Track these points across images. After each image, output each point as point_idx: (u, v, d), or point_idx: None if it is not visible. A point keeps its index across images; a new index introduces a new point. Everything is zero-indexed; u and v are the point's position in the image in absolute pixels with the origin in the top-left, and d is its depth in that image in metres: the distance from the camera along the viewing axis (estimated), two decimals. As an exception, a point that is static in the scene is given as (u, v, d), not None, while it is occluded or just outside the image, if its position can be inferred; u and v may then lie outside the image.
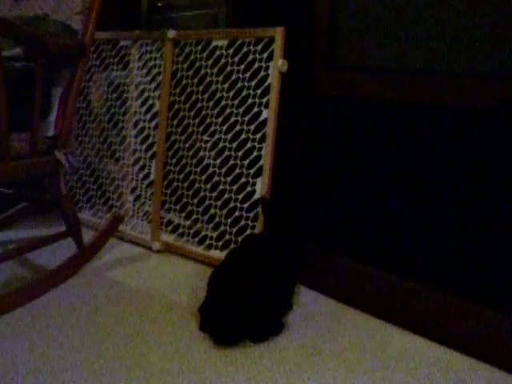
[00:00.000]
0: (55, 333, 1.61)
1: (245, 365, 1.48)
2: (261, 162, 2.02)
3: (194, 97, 2.28)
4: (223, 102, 2.16)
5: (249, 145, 2.07)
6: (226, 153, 2.15)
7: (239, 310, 1.57)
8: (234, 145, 2.12)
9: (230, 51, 2.14)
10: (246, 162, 2.08)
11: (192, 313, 1.77)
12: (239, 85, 2.11)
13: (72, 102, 1.93)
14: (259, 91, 2.04)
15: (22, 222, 2.70)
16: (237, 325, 1.58)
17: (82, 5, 2.02)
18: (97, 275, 2.08)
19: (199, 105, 2.26)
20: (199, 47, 2.25)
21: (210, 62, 2.21)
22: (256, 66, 2.05)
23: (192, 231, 2.30)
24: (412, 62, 1.67)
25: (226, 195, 2.15)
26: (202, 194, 2.25)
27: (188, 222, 2.31)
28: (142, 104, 2.49)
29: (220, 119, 2.18)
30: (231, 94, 2.13)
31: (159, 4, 2.65)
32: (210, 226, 2.23)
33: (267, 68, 2.02)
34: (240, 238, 2.09)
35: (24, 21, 1.91)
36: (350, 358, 1.55)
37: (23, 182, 2.75)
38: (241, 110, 2.10)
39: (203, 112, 2.24)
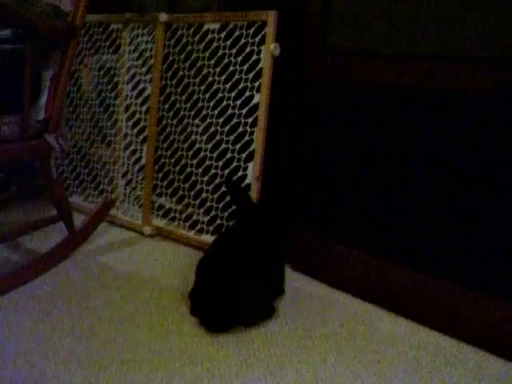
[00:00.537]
0: (47, 317, 1.61)
1: (236, 349, 1.48)
2: (252, 147, 2.01)
3: (185, 81, 2.26)
4: (215, 86, 2.15)
5: (240, 129, 2.06)
6: (218, 137, 2.14)
7: (228, 296, 1.56)
8: (226, 129, 2.11)
9: (222, 35, 2.12)
10: (237, 146, 2.07)
11: (183, 296, 1.77)
12: (231, 69, 2.09)
13: (63, 86, 1.91)
14: (251, 75, 2.03)
15: (12, 207, 2.68)
16: (227, 311, 1.58)
17: (72, -14, 2.00)
18: (88, 259, 2.07)
19: (191, 89, 2.24)
20: (191, 31, 2.24)
21: (201, 46, 2.20)
22: (248, 49, 2.04)
23: (183, 215, 2.29)
24: (406, 46, 1.66)
25: (218, 179, 2.15)
26: (193, 178, 2.25)
27: (179, 207, 2.31)
28: (133, 88, 2.47)
29: (212, 103, 2.17)
30: (223, 78, 2.12)
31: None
32: (202, 210, 2.22)
33: (259, 52, 2.01)
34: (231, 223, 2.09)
35: (13, 2, 1.89)
36: (341, 341, 1.56)
37: (13, 166, 2.73)
38: (233, 94, 2.09)
39: (195, 96, 2.23)
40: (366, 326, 1.66)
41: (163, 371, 1.36)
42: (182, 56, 2.27)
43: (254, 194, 2.00)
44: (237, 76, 2.08)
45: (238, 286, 1.57)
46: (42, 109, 1.88)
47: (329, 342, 1.55)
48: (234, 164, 2.08)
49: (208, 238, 2.15)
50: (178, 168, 2.31)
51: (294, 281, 1.97)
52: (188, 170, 2.26)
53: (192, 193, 2.26)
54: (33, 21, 1.70)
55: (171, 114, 2.33)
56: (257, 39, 2.01)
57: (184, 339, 1.52)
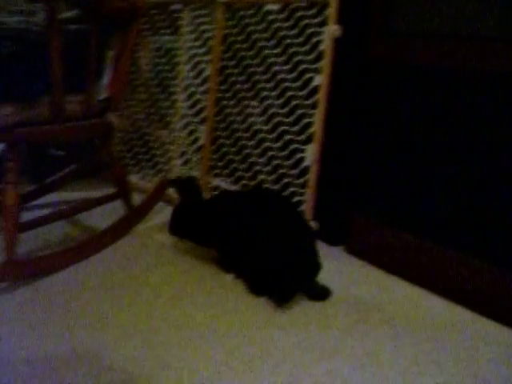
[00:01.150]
0: (107, 291, 1.65)
1: (291, 330, 1.49)
2: (312, 129, 2.00)
3: (244, 62, 2.26)
4: (275, 68, 2.15)
5: (300, 111, 2.05)
6: (277, 119, 2.14)
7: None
8: (285, 110, 2.11)
9: (283, 16, 2.11)
10: (296, 129, 2.07)
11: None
12: (291, 50, 2.08)
13: (125, 65, 1.94)
14: (311, 57, 2.01)
15: (72, 184, 2.74)
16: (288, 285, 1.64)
17: (135, -32, 2.02)
18: (146, 237, 2.11)
19: (250, 70, 2.24)
20: (251, 11, 2.23)
21: (261, 27, 2.19)
22: (309, 31, 2.02)
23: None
24: (470, 28, 1.62)
25: (276, 161, 2.15)
26: (250, 159, 2.25)
27: (236, 188, 2.32)
28: (192, 69, 2.49)
29: (271, 84, 2.16)
30: (283, 59, 2.11)
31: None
32: (259, 191, 2.23)
33: (320, 33, 1.99)
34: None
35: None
36: (397, 327, 1.54)
37: (73, 144, 2.79)
38: (293, 75, 2.08)
39: (254, 77, 2.23)
40: (422, 313, 1.64)
41: (219, 350, 1.37)
42: (242, 37, 2.27)
43: (311, 176, 1.99)
44: (297, 58, 2.06)
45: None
46: (105, 88, 1.92)
47: (385, 327, 1.54)
48: (293, 146, 2.08)
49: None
50: (235, 149, 2.31)
51: (349, 264, 1.97)
52: (245, 151, 2.27)
53: (249, 174, 2.27)
54: (98, 2, 1.72)
55: (230, 94, 2.33)
56: (318, 21, 1.99)
57: (240, 318, 1.53)
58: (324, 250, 2.09)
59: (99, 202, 2.11)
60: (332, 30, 1.93)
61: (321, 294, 1.71)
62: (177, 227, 1.95)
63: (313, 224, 2.01)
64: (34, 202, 2.40)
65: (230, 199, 1.87)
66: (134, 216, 2.22)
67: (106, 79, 1.92)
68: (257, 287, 1.70)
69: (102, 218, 2.27)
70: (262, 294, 1.68)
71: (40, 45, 1.65)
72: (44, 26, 1.71)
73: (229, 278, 1.80)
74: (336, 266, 1.94)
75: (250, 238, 1.72)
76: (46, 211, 2.29)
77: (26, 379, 1.20)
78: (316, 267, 1.71)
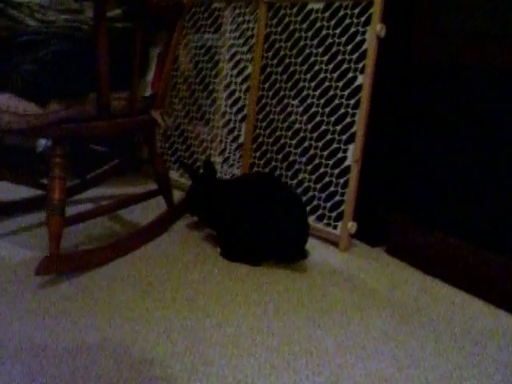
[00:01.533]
0: (148, 287, 1.67)
1: (333, 330, 1.49)
2: (354, 128, 1.99)
3: (286, 60, 2.26)
4: (317, 67, 2.14)
5: (342, 110, 2.04)
6: (318, 118, 2.13)
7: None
8: (327, 110, 2.10)
9: (326, 15, 2.10)
10: (338, 128, 2.06)
11: (278, 274, 1.80)
12: (334, 49, 2.08)
13: (169, 63, 1.96)
14: (355, 56, 2.00)
15: (113, 179, 2.79)
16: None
17: (181, -34, 2.03)
18: (185, 234, 2.13)
19: (292, 68, 2.24)
20: (294, 10, 2.23)
21: (304, 26, 2.19)
22: (352, 30, 2.01)
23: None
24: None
25: (317, 160, 2.14)
26: (291, 158, 2.25)
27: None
28: (234, 67, 2.50)
29: (313, 84, 2.16)
30: (325, 58, 2.11)
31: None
32: (299, 190, 2.23)
33: (364, 32, 1.97)
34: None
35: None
36: (439, 330, 1.53)
37: (115, 140, 2.83)
38: (335, 74, 2.07)
39: (296, 76, 2.23)
40: (463, 317, 1.62)
41: (261, 348, 1.38)
42: (284, 35, 2.27)
43: (352, 176, 1.99)
44: (340, 57, 2.05)
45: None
46: (149, 85, 1.94)
47: (426, 330, 1.52)
48: (334, 146, 2.07)
49: (304, 219, 2.16)
50: (276, 147, 2.32)
51: (389, 265, 1.96)
52: (286, 149, 2.27)
53: (289, 173, 2.27)
54: (146, 0, 1.74)
55: (271, 93, 2.34)
56: (362, 19, 1.98)
57: (282, 318, 1.53)
58: (364, 251, 2.09)
59: (141, 198, 2.14)
60: (376, 29, 1.91)
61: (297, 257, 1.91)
62: (188, 204, 2.13)
63: (351, 224, 2.01)
64: (76, 197, 2.45)
65: (231, 183, 2.05)
66: (174, 213, 2.24)
67: (150, 77, 1.94)
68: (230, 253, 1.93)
69: (142, 213, 2.30)
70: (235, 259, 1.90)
71: (87, 43, 1.67)
72: (91, 25, 1.73)
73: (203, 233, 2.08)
74: (376, 267, 1.93)
75: (241, 213, 1.90)
76: (87, 206, 2.34)
77: (71, 370, 1.22)
78: (302, 237, 1.88)
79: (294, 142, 2.24)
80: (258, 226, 1.85)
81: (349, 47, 2.03)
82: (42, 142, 2.82)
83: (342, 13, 2.05)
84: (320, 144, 2.13)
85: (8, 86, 1.54)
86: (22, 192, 2.37)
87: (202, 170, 2.12)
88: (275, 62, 2.31)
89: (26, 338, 1.34)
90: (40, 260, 1.61)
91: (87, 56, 1.64)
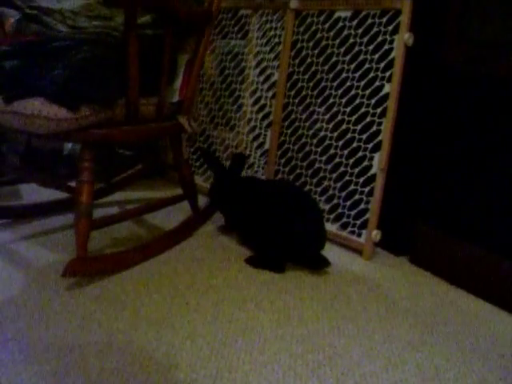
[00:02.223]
0: (173, 292, 1.68)
1: (357, 339, 1.49)
2: (380, 137, 1.99)
3: (313, 68, 2.27)
4: (343, 75, 2.14)
5: (368, 119, 2.04)
6: (344, 126, 2.13)
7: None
8: (353, 118, 2.10)
9: (354, 23, 2.10)
10: (364, 136, 2.06)
11: (302, 281, 1.80)
12: (361, 57, 2.08)
13: (196, 70, 1.97)
14: (382, 65, 2.00)
15: (137, 183, 2.81)
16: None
17: (209, -27, 2.05)
18: (209, 239, 2.14)
19: (318, 76, 2.25)
20: (321, 18, 2.23)
21: (331, 34, 2.19)
22: (380, 38, 2.01)
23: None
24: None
25: (342, 168, 2.14)
26: (316, 165, 2.25)
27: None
28: (260, 73, 2.51)
29: (339, 91, 2.16)
30: (352, 66, 2.11)
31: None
32: (323, 198, 2.23)
33: (392, 41, 1.97)
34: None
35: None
36: (463, 341, 1.52)
37: (140, 145, 2.86)
38: (362, 83, 2.07)
39: (322, 83, 2.23)
40: (489, 329, 1.61)
41: (285, 355, 1.38)
42: (311, 43, 2.28)
43: (378, 185, 1.99)
44: (367, 65, 2.05)
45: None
46: (177, 91, 1.95)
47: (451, 341, 1.52)
48: (360, 154, 2.07)
49: (328, 227, 2.16)
50: (301, 155, 2.32)
51: (414, 275, 1.95)
52: (311, 157, 2.27)
53: (314, 180, 2.27)
54: (175, 7, 1.76)
55: (297, 100, 2.34)
56: (390, 28, 1.98)
57: (306, 325, 1.54)
58: (388, 259, 2.08)
59: (167, 203, 2.15)
60: (404, 37, 1.91)
61: (321, 264, 1.92)
62: (212, 197, 2.20)
63: (376, 233, 2.01)
64: (102, 200, 2.47)
65: (253, 184, 2.10)
66: (199, 218, 2.26)
67: (178, 83, 1.96)
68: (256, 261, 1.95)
69: (167, 217, 2.32)
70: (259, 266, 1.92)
71: (117, 49, 1.69)
72: (122, 31, 1.75)
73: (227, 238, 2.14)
74: (400, 276, 1.93)
75: (260, 216, 1.95)
76: (113, 209, 2.36)
77: (97, 372, 1.24)
78: (320, 242, 1.91)
79: (319, 149, 2.24)
80: (281, 234, 1.87)
81: (376, 55, 2.03)
82: (69, 145, 2.85)
83: (369, 21, 2.05)
84: (345, 152, 2.13)
85: (40, 90, 1.57)
86: (49, 194, 2.40)
87: (230, 162, 2.18)
88: (302, 69, 2.32)
89: (53, 339, 1.36)
90: (67, 262, 1.63)
91: (117, 62, 1.66)
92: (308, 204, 1.92)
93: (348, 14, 2.13)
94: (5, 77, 1.68)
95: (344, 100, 2.14)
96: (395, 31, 1.96)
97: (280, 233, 1.87)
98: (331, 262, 1.93)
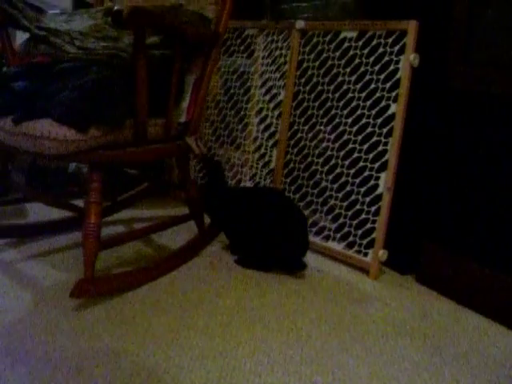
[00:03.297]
0: (180, 311, 1.68)
1: (366, 360, 1.48)
2: (386, 157, 2.00)
3: (319, 87, 2.28)
4: (349, 95, 2.15)
5: (374, 138, 2.05)
6: (350, 145, 2.14)
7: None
8: (359, 138, 2.11)
9: (360, 43, 2.12)
10: (370, 156, 2.06)
11: (309, 301, 1.80)
12: (367, 78, 2.09)
13: (204, 90, 1.98)
14: (388, 85, 2.01)
15: (143, 201, 2.82)
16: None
17: (216, -6, 2.07)
18: (217, 258, 2.14)
19: (324, 96, 2.26)
20: (327, 38, 2.25)
21: (337, 54, 2.20)
22: (386, 59, 2.02)
23: (310, 221, 2.31)
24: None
25: (348, 187, 2.15)
26: (322, 184, 2.26)
27: (306, 212, 2.33)
28: (266, 93, 2.52)
29: (345, 111, 2.17)
30: (358, 86, 2.12)
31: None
32: (329, 217, 2.23)
33: (398, 62, 1.99)
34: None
35: (162, 10, 1.97)
36: (472, 362, 1.52)
37: (147, 164, 2.87)
38: (368, 103, 2.08)
39: (328, 103, 2.24)
40: (497, 349, 1.60)
41: (295, 377, 1.38)
42: (317, 63, 2.29)
43: (384, 204, 1.99)
44: (373, 85, 2.07)
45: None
46: (184, 112, 1.96)
47: (459, 362, 1.51)
48: (366, 173, 2.08)
49: (335, 246, 2.16)
50: (307, 174, 2.33)
51: (420, 294, 1.95)
52: (317, 176, 2.28)
53: (320, 199, 2.27)
54: (183, 29, 1.77)
55: (303, 119, 2.35)
56: (396, 49, 1.99)
57: (314, 346, 1.53)
58: (394, 279, 2.08)
59: (173, 223, 2.16)
60: (410, 58, 1.92)
61: (301, 267, 2.06)
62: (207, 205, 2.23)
63: (382, 252, 2.01)
64: (108, 218, 2.47)
65: (236, 194, 2.17)
66: (205, 237, 2.26)
67: (185, 103, 1.97)
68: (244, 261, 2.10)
69: (173, 236, 2.32)
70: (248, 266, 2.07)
71: (125, 70, 1.70)
72: (130, 52, 1.76)
73: (234, 258, 2.15)
74: (407, 296, 1.92)
75: (249, 224, 2.05)
76: (118, 227, 2.36)
77: (107, 396, 1.24)
78: (303, 247, 2.02)
79: (325, 168, 2.25)
80: (266, 237, 2.01)
81: (382, 76, 2.04)
82: (73, 164, 2.86)
83: (375, 42, 2.06)
84: (352, 171, 2.13)
85: (49, 112, 1.58)
86: (54, 213, 2.41)
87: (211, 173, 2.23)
88: (307, 88, 2.33)
89: (61, 360, 1.36)
90: (75, 283, 1.63)
91: (126, 83, 1.67)
92: (294, 211, 2.02)
93: (354, 34, 2.14)
94: (14, 98, 1.69)
95: (350, 120, 2.15)
96: (401, 52, 1.97)
97: (267, 239, 2.00)
98: (307, 265, 2.09)
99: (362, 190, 2.10)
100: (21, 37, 2.09)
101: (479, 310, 1.82)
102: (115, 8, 1.52)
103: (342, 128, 2.18)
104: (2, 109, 1.71)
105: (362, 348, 1.54)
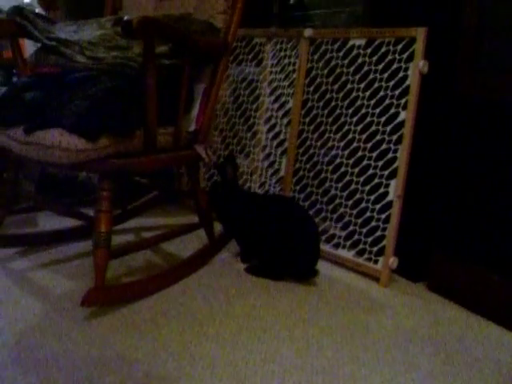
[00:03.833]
0: (191, 321, 1.68)
1: (377, 367, 1.47)
2: (396, 164, 1.99)
3: (328, 95, 2.28)
4: (359, 102, 2.15)
5: (384, 146, 2.05)
6: (360, 153, 2.14)
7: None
8: (369, 145, 2.10)
9: (368, 51, 2.12)
10: (380, 163, 2.06)
11: (320, 310, 1.79)
12: (376, 85, 2.09)
13: (213, 99, 1.99)
14: (397, 92, 2.01)
15: (152, 209, 2.82)
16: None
17: (225, 4, 2.08)
18: (226, 267, 2.14)
19: (333, 103, 2.26)
20: (335, 46, 2.25)
21: (346, 61, 2.21)
22: (395, 66, 2.02)
23: (320, 229, 2.31)
24: None
25: (358, 195, 2.14)
26: (332, 192, 2.26)
27: (316, 220, 2.32)
28: (275, 101, 2.52)
29: (354, 119, 2.17)
30: (367, 94, 2.12)
31: (291, 2, 2.68)
32: (339, 225, 2.23)
33: (407, 69, 1.98)
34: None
35: (171, 20, 1.99)
36: (485, 370, 1.51)
37: (156, 173, 2.87)
38: (377, 110, 2.08)
39: (337, 111, 2.24)
40: (511, 357, 1.59)
41: (305, 385, 1.38)
42: (326, 71, 2.29)
43: (394, 212, 1.99)
44: (382, 93, 2.06)
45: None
46: (193, 120, 1.97)
47: (472, 370, 1.50)
48: (376, 181, 2.07)
49: (345, 253, 2.16)
50: (316, 182, 2.32)
51: (431, 302, 1.94)
52: (327, 184, 2.28)
53: (330, 207, 2.27)
54: (192, 38, 1.78)
55: (312, 127, 2.35)
56: (404, 56, 1.99)
57: (325, 354, 1.53)
58: (405, 286, 2.07)
59: (183, 231, 2.16)
60: (419, 65, 1.92)
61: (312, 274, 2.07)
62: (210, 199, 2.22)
63: (393, 260, 2.00)
64: (117, 227, 2.48)
65: (247, 201, 2.16)
66: (215, 245, 2.26)
67: (194, 112, 1.97)
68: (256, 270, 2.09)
69: (182, 244, 2.32)
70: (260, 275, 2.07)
71: (135, 79, 1.71)
72: (140, 62, 1.77)
73: (244, 266, 2.14)
74: (418, 304, 1.91)
75: (261, 232, 2.05)
76: (128, 236, 2.37)
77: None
78: (314, 256, 2.04)
79: (334, 176, 2.24)
80: (278, 246, 2.01)
81: (391, 83, 2.04)
82: (83, 172, 2.87)
83: (384, 49, 2.06)
84: (361, 179, 2.13)
85: (60, 121, 1.58)
86: (64, 221, 2.42)
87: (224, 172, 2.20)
88: (316, 96, 2.33)
89: (72, 369, 1.36)
90: (86, 292, 1.63)
91: (135, 92, 1.68)
92: (306, 220, 2.03)
93: (362, 42, 2.14)
94: (25, 108, 1.71)
95: (359, 127, 2.15)
96: (410, 59, 1.97)
97: (279, 247, 2.01)
98: (319, 272, 2.10)
99: (372, 197, 2.09)
100: (31, 47, 2.10)
101: (491, 317, 1.81)
102: (125, 18, 1.53)
103: (351, 135, 2.18)
104: (14, 119, 1.73)
105: (374, 357, 1.54)
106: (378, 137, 2.07)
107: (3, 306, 1.69)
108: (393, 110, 2.02)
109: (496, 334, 1.73)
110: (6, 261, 2.04)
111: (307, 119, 2.37)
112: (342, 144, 2.22)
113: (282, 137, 2.48)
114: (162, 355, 1.47)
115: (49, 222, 2.51)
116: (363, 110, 2.14)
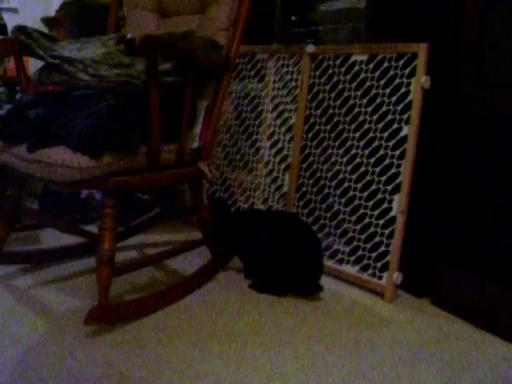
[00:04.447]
0: (195, 337, 1.67)
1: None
2: (399, 179, 1.99)
3: (330, 111, 2.29)
4: (361, 117, 2.16)
5: (387, 161, 2.05)
6: (363, 168, 2.14)
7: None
8: (371, 160, 2.11)
9: (370, 66, 2.13)
10: (383, 179, 2.06)
11: (324, 326, 1.78)
12: (378, 100, 2.09)
13: (216, 115, 2.00)
14: (399, 107, 2.02)
15: (156, 226, 2.82)
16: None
17: (227, 22, 2.09)
18: (230, 283, 2.13)
19: (336, 119, 2.26)
20: (337, 61, 2.26)
21: (348, 77, 2.21)
22: (397, 81, 2.03)
23: (323, 245, 2.30)
24: None
25: (362, 210, 2.14)
26: (335, 208, 2.25)
27: (319, 236, 2.32)
28: (277, 117, 2.53)
29: (357, 134, 2.17)
30: (370, 109, 2.12)
31: (293, 18, 2.69)
32: (343, 240, 2.22)
33: (408, 84, 1.99)
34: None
35: (174, 38, 1.99)
36: (493, 388, 1.50)
37: (159, 189, 2.87)
38: (379, 125, 2.08)
39: (340, 126, 2.24)
40: (517, 373, 1.58)
41: (311, 403, 1.36)
42: (328, 86, 2.30)
43: (398, 226, 1.98)
44: (384, 108, 2.07)
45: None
46: (196, 137, 1.97)
47: (479, 387, 1.49)
48: (379, 196, 2.07)
49: (349, 269, 2.15)
50: (319, 197, 2.32)
51: (436, 317, 1.92)
52: (330, 199, 2.27)
53: (333, 222, 2.27)
54: (195, 55, 1.79)
55: (314, 143, 2.35)
56: (406, 71, 2.00)
57: (330, 371, 1.52)
58: (410, 302, 2.06)
59: (186, 248, 2.16)
60: (421, 80, 1.93)
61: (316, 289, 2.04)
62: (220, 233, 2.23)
63: (397, 275, 1.99)
64: (121, 244, 2.48)
65: (250, 217, 2.18)
66: (218, 262, 2.25)
67: (197, 129, 1.98)
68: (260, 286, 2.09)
69: (185, 261, 2.31)
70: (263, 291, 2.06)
71: (139, 97, 1.72)
72: (143, 79, 1.78)
73: (248, 282, 2.14)
74: (423, 319, 1.90)
75: (265, 248, 2.05)
76: (131, 253, 2.37)
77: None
78: (318, 271, 2.03)
79: (338, 191, 2.24)
80: (281, 262, 2.01)
81: (393, 98, 2.04)
82: (86, 189, 2.88)
83: (386, 64, 2.07)
84: (365, 194, 2.13)
85: (63, 139, 1.59)
86: (67, 238, 2.42)
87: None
88: (319, 112, 2.34)
89: (77, 389, 1.36)
90: (89, 309, 1.63)
91: (139, 110, 1.69)
92: (308, 235, 2.05)
93: (364, 57, 2.15)
94: (28, 125, 1.71)
95: (362, 142, 2.15)
96: (412, 74, 1.98)
97: (282, 263, 2.01)
98: (323, 288, 2.05)
99: (376, 212, 2.09)
100: (35, 65, 2.11)
101: (498, 332, 1.80)
102: (128, 36, 1.54)
103: (354, 151, 2.18)
104: (17, 136, 1.73)
105: (379, 373, 1.52)
106: (381, 152, 2.07)
107: (6, 323, 1.68)
108: (395, 125, 2.03)
109: (503, 350, 1.71)
110: (9, 278, 2.04)
111: (310, 135, 2.37)
112: (345, 159, 2.22)
113: (284, 152, 2.48)
114: (166, 373, 1.46)
115: (52, 239, 2.51)
116: (366, 125, 2.14)
